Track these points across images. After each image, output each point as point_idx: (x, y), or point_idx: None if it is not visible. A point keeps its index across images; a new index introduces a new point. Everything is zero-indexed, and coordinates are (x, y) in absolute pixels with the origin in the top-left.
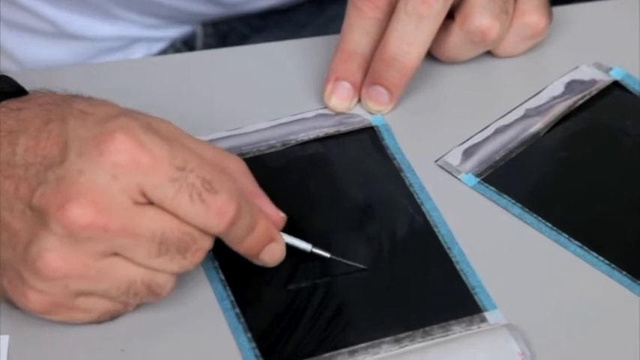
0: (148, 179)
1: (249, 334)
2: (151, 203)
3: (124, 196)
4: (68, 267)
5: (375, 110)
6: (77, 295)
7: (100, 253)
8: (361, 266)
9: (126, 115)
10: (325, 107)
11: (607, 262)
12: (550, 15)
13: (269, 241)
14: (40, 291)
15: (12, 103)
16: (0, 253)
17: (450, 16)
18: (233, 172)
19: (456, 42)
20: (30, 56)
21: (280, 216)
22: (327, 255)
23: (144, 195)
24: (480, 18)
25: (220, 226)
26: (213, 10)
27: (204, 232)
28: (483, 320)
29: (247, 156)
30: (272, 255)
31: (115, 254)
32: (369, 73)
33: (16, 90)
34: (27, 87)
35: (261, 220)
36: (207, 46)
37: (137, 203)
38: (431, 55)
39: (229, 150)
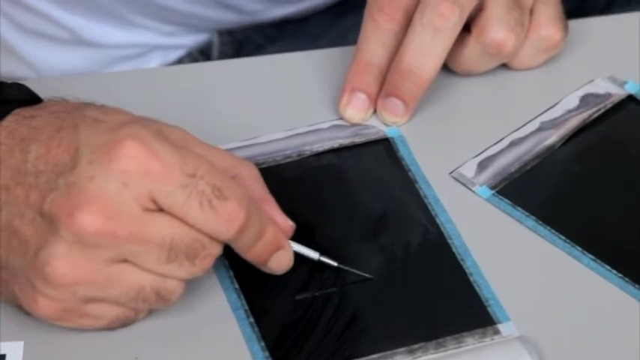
0: (158, 186)
1: (263, 343)
2: (160, 210)
3: (134, 202)
4: (76, 273)
5: (390, 122)
6: (87, 302)
7: (109, 260)
8: (368, 275)
9: (137, 122)
10: (340, 118)
11: (620, 275)
12: (566, 28)
13: (277, 248)
14: (49, 297)
15: (25, 111)
16: (11, 260)
17: (466, 28)
18: (245, 178)
19: (471, 54)
20: (46, 63)
21: (289, 224)
22: (335, 264)
23: (154, 202)
24: (496, 31)
25: (230, 232)
26: (229, 18)
27: (213, 238)
28: (496, 332)
29: (263, 166)
30: (280, 262)
31: (124, 261)
32: (385, 85)
33: (30, 97)
34: (43, 94)
35: (269, 228)
36: (223, 54)
37: (147, 210)
38: (446, 67)
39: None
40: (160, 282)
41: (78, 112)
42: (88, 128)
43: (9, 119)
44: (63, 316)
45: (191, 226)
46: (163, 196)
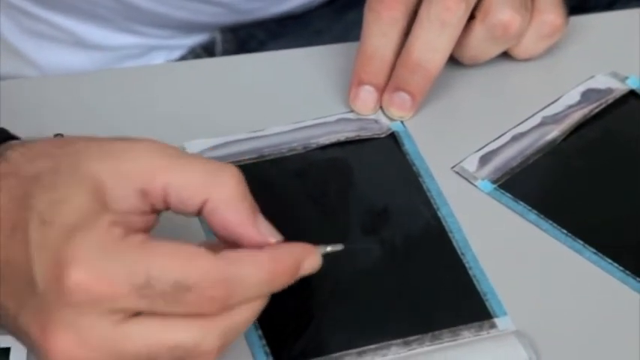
0: (116, 304)
1: (260, 332)
2: (132, 315)
3: (96, 324)
4: None
5: (397, 116)
6: None
7: None
8: (367, 246)
9: (82, 230)
10: (347, 112)
11: (622, 268)
12: (566, 15)
13: (295, 271)
14: None
15: None
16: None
17: (470, 16)
18: (215, 204)
19: (477, 39)
20: (51, 63)
21: (270, 240)
22: (341, 246)
23: (121, 312)
24: (502, 11)
25: (214, 309)
26: (227, 19)
27: (205, 330)
28: (493, 326)
29: (268, 158)
30: (311, 268)
31: None
32: (392, 79)
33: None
34: (48, 93)
35: (264, 267)
36: (225, 52)
37: (115, 322)
38: (450, 63)
39: (249, 152)
40: None
41: (27, 204)
42: (37, 235)
43: None
44: None
45: (169, 329)
46: (126, 310)
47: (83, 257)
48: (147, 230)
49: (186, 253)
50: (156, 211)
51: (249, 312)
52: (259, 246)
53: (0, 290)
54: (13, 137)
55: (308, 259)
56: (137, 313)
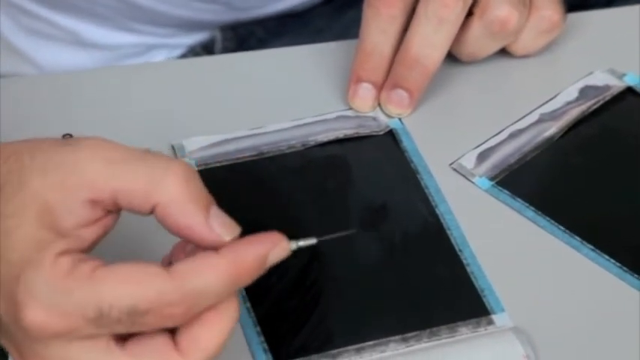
0: (78, 334)
1: (258, 329)
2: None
3: (68, 349)
4: None
5: (395, 114)
6: None
7: None
8: (350, 231)
9: (29, 267)
10: (345, 109)
11: (619, 264)
12: (564, 11)
13: (258, 267)
14: None
15: None
16: None
17: (468, 13)
18: (164, 207)
19: (475, 35)
20: (50, 62)
21: (223, 239)
22: (314, 240)
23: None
24: (499, 7)
25: (178, 322)
26: (227, 17)
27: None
28: (490, 323)
29: (267, 155)
30: (278, 258)
31: None
32: (390, 76)
33: None
34: (47, 92)
35: (225, 271)
36: (225, 50)
37: (95, 340)
38: (447, 59)
39: (249, 149)
40: None
41: None
42: None
43: None
44: None
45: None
46: (90, 335)
47: (34, 297)
48: (106, 233)
49: (137, 276)
50: (110, 213)
51: (224, 313)
52: (214, 246)
53: None
54: None
55: (274, 250)
56: None
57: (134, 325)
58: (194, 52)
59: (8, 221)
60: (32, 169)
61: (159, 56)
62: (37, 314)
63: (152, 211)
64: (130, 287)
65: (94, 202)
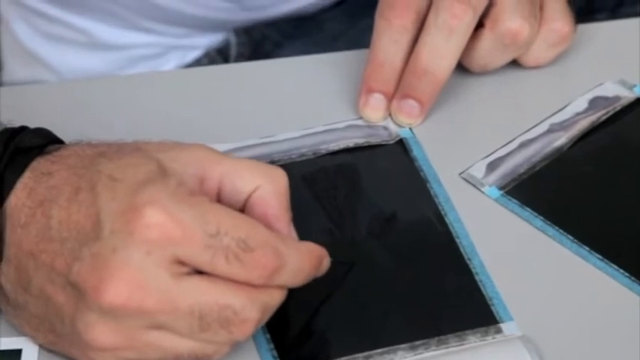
0: (182, 250)
1: (268, 336)
2: (189, 273)
3: (159, 270)
4: (114, 340)
5: (405, 123)
6: None
7: (143, 327)
8: (346, 262)
9: (154, 182)
10: (356, 118)
11: (627, 274)
12: (574, 23)
13: (316, 269)
14: (99, 357)
15: (42, 165)
16: (55, 325)
17: (479, 25)
18: (264, 193)
19: (486, 47)
20: (66, 66)
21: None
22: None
23: (180, 264)
24: (511, 19)
25: (262, 279)
26: (240, 17)
27: (250, 299)
28: (498, 331)
29: (278, 163)
30: (324, 270)
31: (160, 327)
32: (400, 86)
33: (50, 141)
34: (64, 99)
35: (303, 257)
36: (240, 54)
37: (175, 275)
38: (458, 69)
39: (260, 157)
40: (198, 348)
41: (94, 169)
42: (106, 191)
43: (27, 176)
44: None
45: (221, 291)
46: (188, 259)
47: (159, 200)
48: None
49: (252, 220)
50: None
51: (280, 295)
52: None
53: (48, 248)
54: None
55: (324, 260)
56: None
57: (234, 260)
58: (209, 56)
59: (129, 159)
60: (148, 145)
61: (173, 59)
62: (159, 215)
63: (247, 199)
64: (245, 223)
65: (202, 179)
